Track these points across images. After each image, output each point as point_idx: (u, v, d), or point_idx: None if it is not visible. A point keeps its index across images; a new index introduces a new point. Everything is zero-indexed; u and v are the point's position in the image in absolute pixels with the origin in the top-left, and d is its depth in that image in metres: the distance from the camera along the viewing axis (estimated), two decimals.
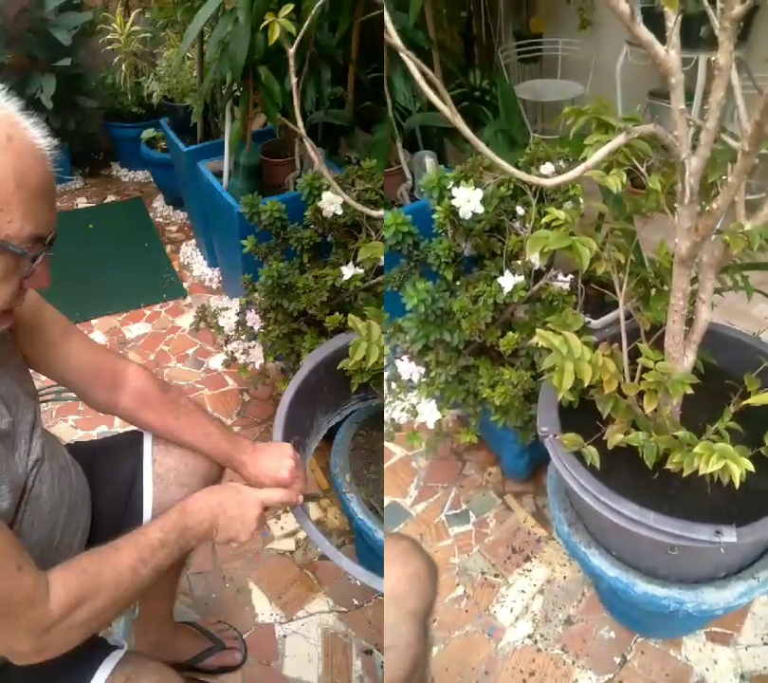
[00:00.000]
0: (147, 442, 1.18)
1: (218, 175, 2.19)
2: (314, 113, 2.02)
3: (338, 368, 1.36)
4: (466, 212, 1.35)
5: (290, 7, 1.22)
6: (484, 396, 1.40)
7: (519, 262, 1.41)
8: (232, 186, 2.12)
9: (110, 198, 3.43)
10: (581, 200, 1.42)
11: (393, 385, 1.52)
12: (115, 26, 3.08)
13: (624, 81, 2.55)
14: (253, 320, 1.64)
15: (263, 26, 1.25)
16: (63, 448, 1.11)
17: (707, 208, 0.97)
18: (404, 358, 1.48)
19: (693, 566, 1.21)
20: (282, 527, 1.80)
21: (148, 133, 3.07)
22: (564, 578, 1.62)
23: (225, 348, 1.73)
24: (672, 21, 0.86)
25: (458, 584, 1.63)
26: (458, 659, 1.49)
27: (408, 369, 1.46)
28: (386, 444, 1.89)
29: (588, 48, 2.79)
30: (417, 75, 0.77)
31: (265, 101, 1.85)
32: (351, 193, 1.58)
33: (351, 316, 1.32)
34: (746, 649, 1.47)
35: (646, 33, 0.85)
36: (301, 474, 1.15)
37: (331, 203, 1.52)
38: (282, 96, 1.80)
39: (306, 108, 1.94)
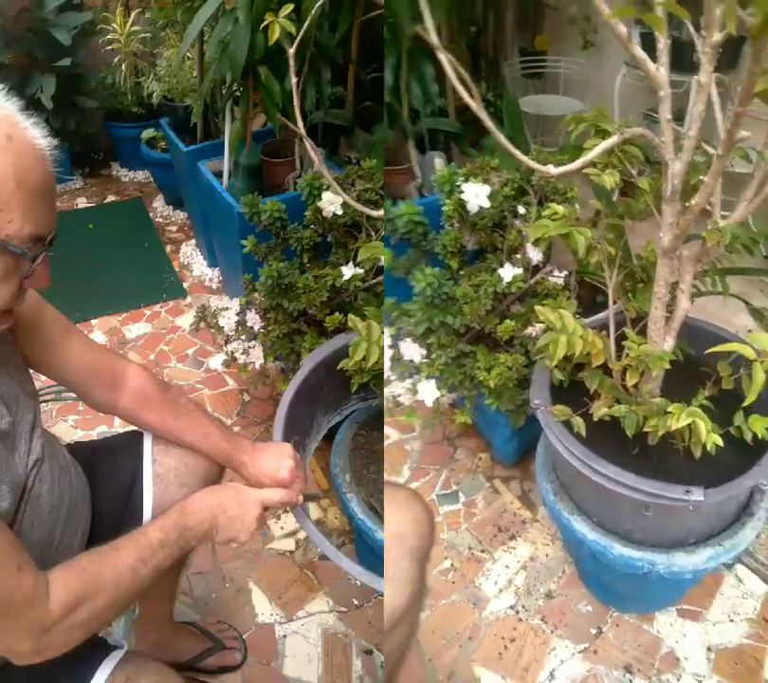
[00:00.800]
0: (147, 442, 1.18)
1: (218, 175, 2.19)
2: (314, 113, 2.02)
3: (338, 368, 1.36)
4: (473, 206, 1.44)
5: (290, 7, 1.22)
6: (481, 379, 1.47)
7: (518, 256, 1.48)
8: (232, 186, 2.12)
9: (110, 198, 3.43)
10: (576, 205, 1.49)
11: (396, 365, 1.60)
12: (115, 26, 3.08)
13: (621, 99, 2.70)
14: (253, 320, 1.64)
15: (263, 26, 1.25)
16: (63, 448, 1.11)
17: (688, 205, 1.08)
18: (407, 340, 1.55)
19: (666, 531, 1.30)
20: (282, 527, 1.80)
21: (148, 133, 3.07)
22: (546, 556, 1.69)
23: (225, 348, 1.73)
24: (661, 43, 0.97)
25: (446, 558, 1.70)
26: (444, 625, 1.57)
27: (410, 350, 1.54)
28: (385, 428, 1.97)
29: (589, 67, 2.93)
30: (452, 74, 0.80)
31: (265, 101, 1.85)
32: (351, 193, 1.58)
33: (351, 316, 1.33)
34: (713, 625, 1.54)
35: (639, 52, 0.95)
36: (301, 474, 1.15)
37: (331, 203, 1.52)
38: (282, 96, 1.80)
39: (306, 108, 1.95)
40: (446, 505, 1.82)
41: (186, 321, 2.54)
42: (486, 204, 1.42)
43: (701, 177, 1.12)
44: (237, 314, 1.69)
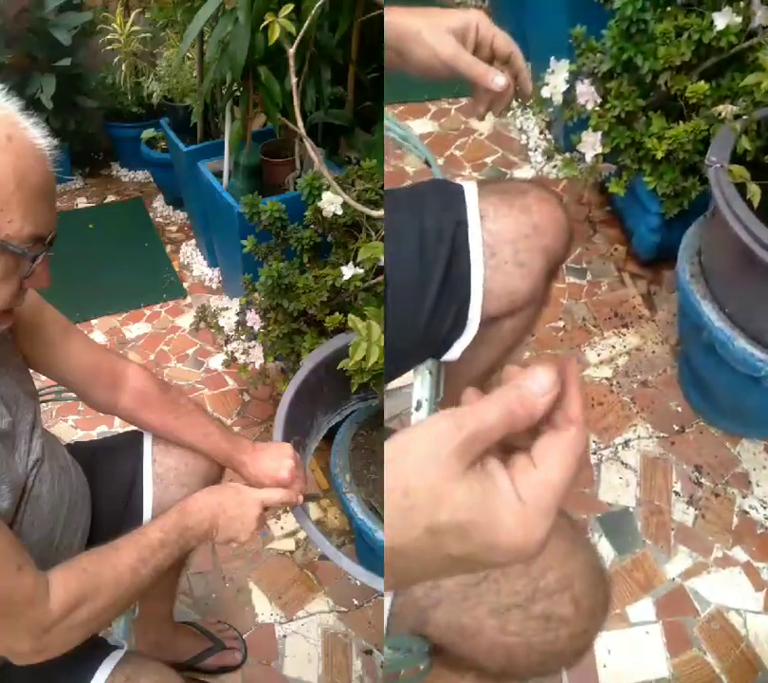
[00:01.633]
0: (147, 442, 1.18)
1: (218, 175, 2.19)
2: (314, 113, 2.02)
3: (338, 368, 1.36)
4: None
5: (290, 7, 1.21)
6: (649, 146, 1.41)
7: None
8: (232, 186, 2.12)
9: (110, 198, 3.42)
10: None
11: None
12: (115, 26, 3.08)
13: None
14: (253, 320, 1.64)
15: (263, 26, 1.25)
16: (63, 448, 1.11)
17: None
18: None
19: None
20: (282, 527, 1.80)
21: (148, 133, 3.06)
22: (653, 352, 1.75)
23: (225, 348, 1.73)
24: None
25: (560, 319, 1.77)
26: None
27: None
28: None
29: None
30: None
31: (265, 101, 1.85)
32: (351, 193, 1.58)
33: (351, 316, 1.32)
34: None
35: None
36: (301, 474, 1.15)
37: (331, 203, 1.52)
38: (282, 96, 1.79)
39: (306, 108, 1.94)
40: (572, 277, 1.85)
41: (186, 321, 2.54)
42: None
43: None
44: (237, 314, 1.69)
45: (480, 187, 1.08)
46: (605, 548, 1.47)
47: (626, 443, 1.55)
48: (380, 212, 1.42)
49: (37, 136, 0.77)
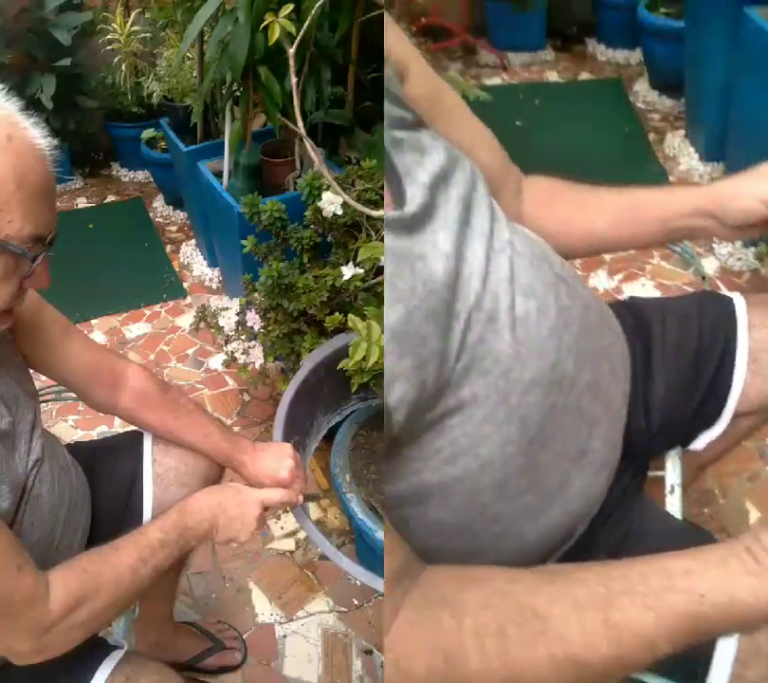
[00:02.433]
0: (147, 442, 1.18)
1: (218, 175, 2.19)
2: (314, 113, 2.02)
3: (338, 368, 1.36)
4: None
5: (290, 7, 1.22)
6: None
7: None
8: (232, 186, 2.12)
9: (110, 198, 3.42)
10: None
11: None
12: (115, 26, 3.08)
13: None
14: (253, 320, 1.64)
15: (263, 26, 1.25)
16: (63, 448, 1.11)
17: None
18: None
19: None
20: (282, 527, 1.80)
21: (148, 133, 3.06)
22: None
23: (225, 348, 1.73)
24: None
25: None
26: None
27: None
28: None
29: None
30: None
31: (265, 101, 1.85)
32: (351, 193, 1.58)
33: (351, 316, 1.32)
34: None
35: None
36: (301, 474, 1.14)
37: (331, 203, 1.52)
38: (282, 96, 1.79)
39: (306, 108, 1.94)
40: None
41: (186, 321, 2.54)
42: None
43: None
44: (237, 314, 1.69)
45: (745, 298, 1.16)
46: None
47: None
48: (380, 212, 1.42)
49: (37, 136, 0.77)
